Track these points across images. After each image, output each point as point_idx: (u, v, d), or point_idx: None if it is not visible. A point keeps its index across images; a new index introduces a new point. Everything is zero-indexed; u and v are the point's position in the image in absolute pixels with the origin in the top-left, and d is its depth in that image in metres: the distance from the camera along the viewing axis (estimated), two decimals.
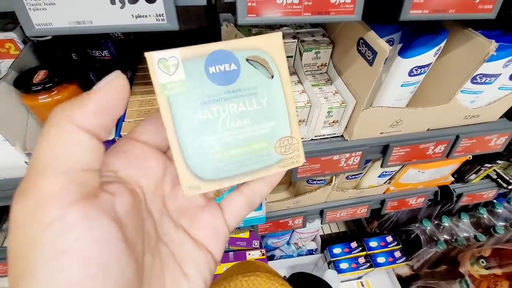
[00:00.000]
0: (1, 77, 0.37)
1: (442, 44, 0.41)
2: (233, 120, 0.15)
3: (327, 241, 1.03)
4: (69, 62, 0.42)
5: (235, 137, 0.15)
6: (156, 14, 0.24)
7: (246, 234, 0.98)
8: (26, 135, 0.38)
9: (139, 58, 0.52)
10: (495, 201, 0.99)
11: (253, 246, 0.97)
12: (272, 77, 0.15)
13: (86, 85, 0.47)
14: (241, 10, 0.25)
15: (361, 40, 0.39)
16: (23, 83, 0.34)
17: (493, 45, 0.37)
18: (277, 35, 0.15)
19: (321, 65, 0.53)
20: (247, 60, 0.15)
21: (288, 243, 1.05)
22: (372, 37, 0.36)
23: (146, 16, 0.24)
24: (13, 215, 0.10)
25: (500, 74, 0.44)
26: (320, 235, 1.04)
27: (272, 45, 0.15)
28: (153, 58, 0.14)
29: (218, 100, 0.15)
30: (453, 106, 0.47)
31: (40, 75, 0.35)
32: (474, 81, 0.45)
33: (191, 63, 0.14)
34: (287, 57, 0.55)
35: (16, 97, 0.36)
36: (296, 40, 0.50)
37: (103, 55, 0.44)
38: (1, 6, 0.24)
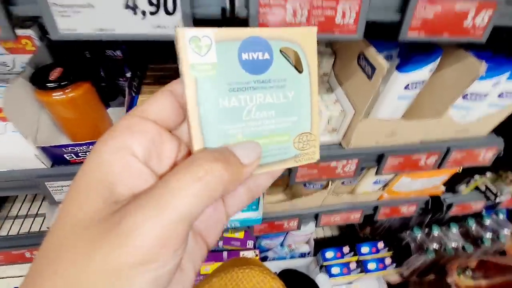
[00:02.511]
0: (18, 73, 0.39)
1: (437, 62, 0.44)
2: (259, 111, 0.15)
3: (320, 244, 1.05)
4: (82, 60, 0.43)
5: (258, 128, 0.15)
6: (175, 26, 0.26)
7: (240, 234, 0.99)
8: (37, 129, 0.39)
9: (149, 58, 0.54)
10: (484, 212, 1.02)
11: (247, 246, 0.98)
12: (301, 72, 0.15)
13: (97, 82, 0.48)
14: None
15: (362, 55, 0.42)
16: (39, 79, 0.36)
17: (483, 66, 0.40)
18: (313, 29, 0.15)
19: (323, 74, 0.56)
20: (280, 51, 0.14)
21: (281, 245, 1.06)
22: (372, 53, 0.39)
23: (165, 27, 0.26)
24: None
25: (489, 93, 0.47)
26: (313, 238, 1.06)
27: (307, 38, 0.15)
28: (185, 34, 0.13)
29: (247, 88, 0.14)
30: (445, 121, 0.49)
31: (56, 73, 0.36)
32: (465, 98, 0.48)
33: (224, 46, 0.13)
34: None
35: (30, 92, 0.38)
36: None
37: (116, 54, 0.46)
38: (29, 11, 0.25)
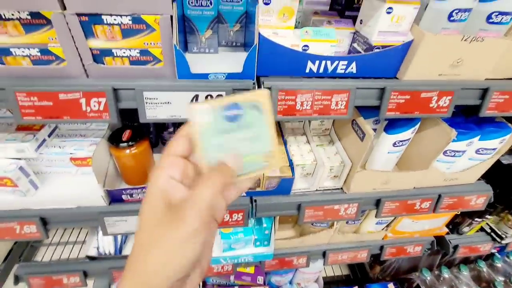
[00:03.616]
0: (93, 129, 0.53)
1: (417, 126, 0.55)
2: (238, 142, 0.24)
3: (330, 284, 1.05)
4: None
5: (238, 152, 0.24)
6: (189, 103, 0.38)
7: (251, 269, 1.01)
8: (106, 175, 0.52)
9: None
10: (497, 254, 1.00)
11: (257, 282, 0.99)
12: (261, 115, 0.25)
13: (147, 134, 0.62)
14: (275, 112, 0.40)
15: (355, 121, 0.53)
16: (114, 139, 0.49)
17: (453, 133, 0.50)
18: (267, 91, 0.25)
19: (325, 129, 0.68)
20: (248, 107, 0.24)
21: (290, 283, 1.06)
22: (362, 122, 0.50)
23: None
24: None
25: (466, 150, 0.56)
26: (323, 277, 1.06)
27: (264, 98, 0.24)
28: (196, 109, 0.23)
29: (229, 131, 0.24)
30: (431, 172, 0.58)
31: (126, 134, 0.50)
32: (446, 154, 0.57)
33: (216, 110, 0.23)
34: (299, 121, 0.70)
35: (107, 147, 0.51)
36: None
37: None
38: (130, 105, 0.39)
